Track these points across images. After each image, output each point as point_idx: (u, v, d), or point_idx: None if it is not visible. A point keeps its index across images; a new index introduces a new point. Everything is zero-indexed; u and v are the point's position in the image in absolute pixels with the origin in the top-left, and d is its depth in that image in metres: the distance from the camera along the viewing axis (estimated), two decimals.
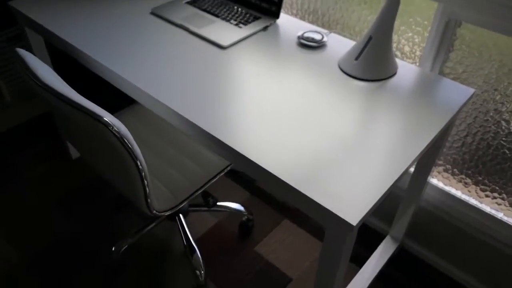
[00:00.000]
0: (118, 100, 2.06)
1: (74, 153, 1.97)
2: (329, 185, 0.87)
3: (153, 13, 1.45)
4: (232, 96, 1.10)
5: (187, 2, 1.49)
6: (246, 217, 1.67)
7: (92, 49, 1.26)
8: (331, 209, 0.83)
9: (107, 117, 0.90)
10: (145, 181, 1.04)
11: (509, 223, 1.33)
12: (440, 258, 1.56)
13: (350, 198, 0.85)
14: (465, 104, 1.13)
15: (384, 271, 1.56)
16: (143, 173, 1.02)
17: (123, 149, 0.94)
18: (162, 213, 1.17)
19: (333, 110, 1.07)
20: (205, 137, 1.01)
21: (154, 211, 1.14)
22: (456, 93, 1.14)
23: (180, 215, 1.56)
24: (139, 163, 0.99)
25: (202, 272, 1.46)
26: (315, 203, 0.84)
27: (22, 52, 1.05)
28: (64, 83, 1.05)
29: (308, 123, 1.03)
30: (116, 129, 0.91)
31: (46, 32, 1.38)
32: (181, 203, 1.21)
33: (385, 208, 1.63)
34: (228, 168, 1.32)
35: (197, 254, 1.48)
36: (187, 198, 1.22)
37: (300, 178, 0.88)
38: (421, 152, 0.97)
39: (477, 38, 1.17)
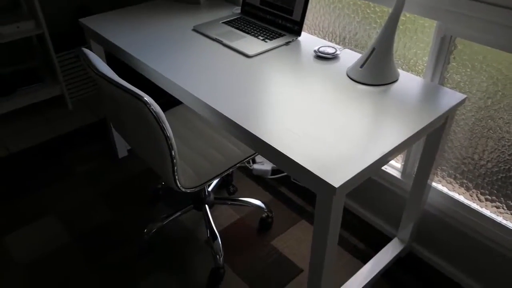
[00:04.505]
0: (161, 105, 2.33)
1: (121, 153, 2.24)
2: (325, 161, 1.04)
3: (194, 30, 1.71)
4: (255, 95, 1.31)
5: (223, 22, 1.75)
6: (266, 214, 1.84)
7: (145, 56, 1.52)
8: (321, 176, 1.00)
9: (147, 97, 1.13)
10: (174, 158, 1.26)
11: (508, 226, 1.42)
12: (447, 262, 1.64)
13: (339, 170, 1.02)
14: (456, 107, 1.28)
15: (389, 269, 1.66)
16: (172, 150, 1.24)
17: (156, 125, 1.17)
18: (187, 189, 1.37)
19: (339, 107, 1.25)
20: (232, 127, 1.20)
21: (180, 186, 1.35)
22: (448, 98, 1.29)
23: (206, 206, 1.75)
24: (169, 140, 1.21)
25: (221, 256, 1.63)
26: (312, 174, 1.01)
27: (86, 50, 1.33)
28: (115, 74, 1.30)
29: (318, 117, 1.21)
30: (153, 108, 1.14)
31: (106, 42, 1.68)
32: (204, 183, 1.41)
33: (393, 211, 1.75)
34: (245, 160, 1.52)
35: (218, 241, 1.66)
36: (209, 180, 1.42)
37: (306, 157, 1.06)
38: (408, 139, 1.13)
39: (469, 51, 1.33)
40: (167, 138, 1.20)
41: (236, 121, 1.18)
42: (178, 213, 1.79)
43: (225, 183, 2.05)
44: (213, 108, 1.24)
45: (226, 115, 1.20)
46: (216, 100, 1.27)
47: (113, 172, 2.16)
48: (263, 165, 2.13)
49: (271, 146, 1.09)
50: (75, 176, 2.14)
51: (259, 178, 2.11)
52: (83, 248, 1.76)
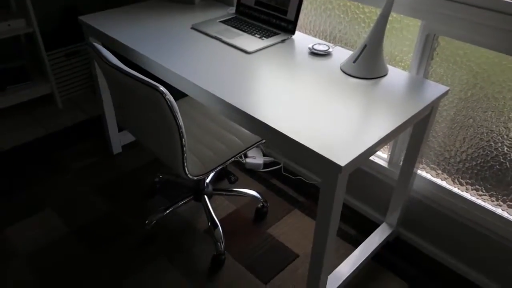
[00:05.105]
0: None
1: (116, 149, 2.29)
2: (329, 145, 1.15)
3: (193, 28, 1.80)
4: (259, 87, 1.40)
5: (220, 21, 1.84)
6: (261, 203, 1.93)
7: (150, 52, 1.59)
8: (327, 157, 1.10)
9: (162, 87, 1.21)
10: (184, 146, 1.34)
11: (487, 208, 1.56)
12: (431, 244, 1.77)
13: (342, 152, 1.12)
14: (440, 98, 1.41)
15: (379, 253, 1.79)
16: (183, 139, 1.32)
17: (170, 114, 1.25)
18: (194, 177, 1.45)
19: (335, 98, 1.36)
20: (243, 117, 1.29)
21: (188, 174, 1.42)
22: (433, 90, 1.42)
23: (205, 197, 1.83)
24: (180, 128, 1.29)
25: (222, 243, 1.71)
26: (320, 155, 1.11)
27: (97, 45, 1.39)
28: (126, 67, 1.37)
29: (316, 106, 1.32)
30: (169, 97, 1.21)
31: (109, 39, 1.74)
32: (209, 171, 1.49)
33: (381, 199, 1.87)
34: (247, 150, 1.61)
35: (219, 228, 1.74)
36: (214, 168, 1.50)
37: (312, 141, 1.16)
38: (398, 127, 1.24)
39: (450, 47, 1.47)
40: (179, 126, 1.28)
41: (248, 112, 1.26)
42: (179, 204, 1.86)
43: (221, 175, 2.14)
44: (225, 101, 1.32)
45: (238, 107, 1.29)
46: (226, 93, 1.36)
47: (108, 167, 2.20)
48: (255, 159, 2.22)
49: (281, 132, 1.19)
50: (70, 172, 2.17)
51: (251, 172, 2.21)
52: (84, 239, 1.80)
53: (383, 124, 1.25)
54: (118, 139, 2.27)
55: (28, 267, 1.68)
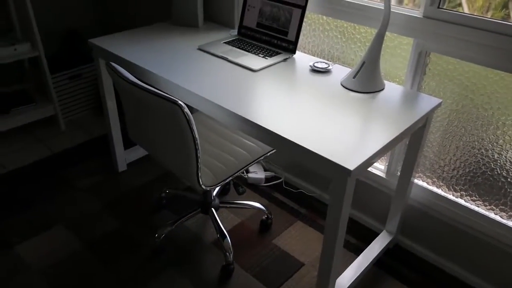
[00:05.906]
0: None
1: (121, 167, 2.35)
2: (337, 152, 1.24)
3: (199, 49, 1.90)
4: (267, 102, 1.50)
5: (224, 42, 1.96)
6: (266, 215, 2.00)
7: (158, 70, 1.68)
8: (338, 162, 1.20)
9: (180, 101, 1.30)
10: (199, 158, 1.42)
11: (481, 213, 1.66)
12: (429, 250, 1.86)
13: (350, 158, 1.22)
14: (433, 109, 1.53)
15: (380, 259, 1.87)
16: (198, 151, 1.40)
17: (187, 127, 1.33)
18: (207, 188, 1.52)
19: (338, 110, 1.47)
20: (259, 131, 1.38)
21: (202, 185, 1.50)
22: (427, 103, 1.54)
23: (213, 209, 1.90)
24: (196, 140, 1.37)
25: (231, 253, 1.77)
26: (331, 161, 1.21)
27: (114, 64, 1.48)
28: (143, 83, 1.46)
29: (321, 117, 1.42)
30: (186, 111, 1.30)
31: (116, 58, 1.83)
32: (220, 182, 1.57)
33: (380, 209, 1.96)
34: (255, 162, 1.70)
35: (227, 239, 1.80)
36: (225, 179, 1.58)
37: (321, 149, 1.26)
38: (398, 136, 1.35)
39: (442, 63, 1.59)
40: (195, 138, 1.36)
41: (263, 125, 1.36)
42: (187, 217, 1.92)
43: (225, 189, 2.21)
44: (240, 115, 1.41)
45: (254, 121, 1.38)
46: (239, 107, 1.45)
47: (115, 184, 2.26)
48: (256, 174, 2.30)
49: (294, 142, 1.28)
50: (77, 190, 2.22)
51: (254, 186, 2.28)
52: (95, 253, 1.85)
53: (383, 134, 1.35)
54: (124, 157, 2.34)
55: (40, 284, 1.71)
